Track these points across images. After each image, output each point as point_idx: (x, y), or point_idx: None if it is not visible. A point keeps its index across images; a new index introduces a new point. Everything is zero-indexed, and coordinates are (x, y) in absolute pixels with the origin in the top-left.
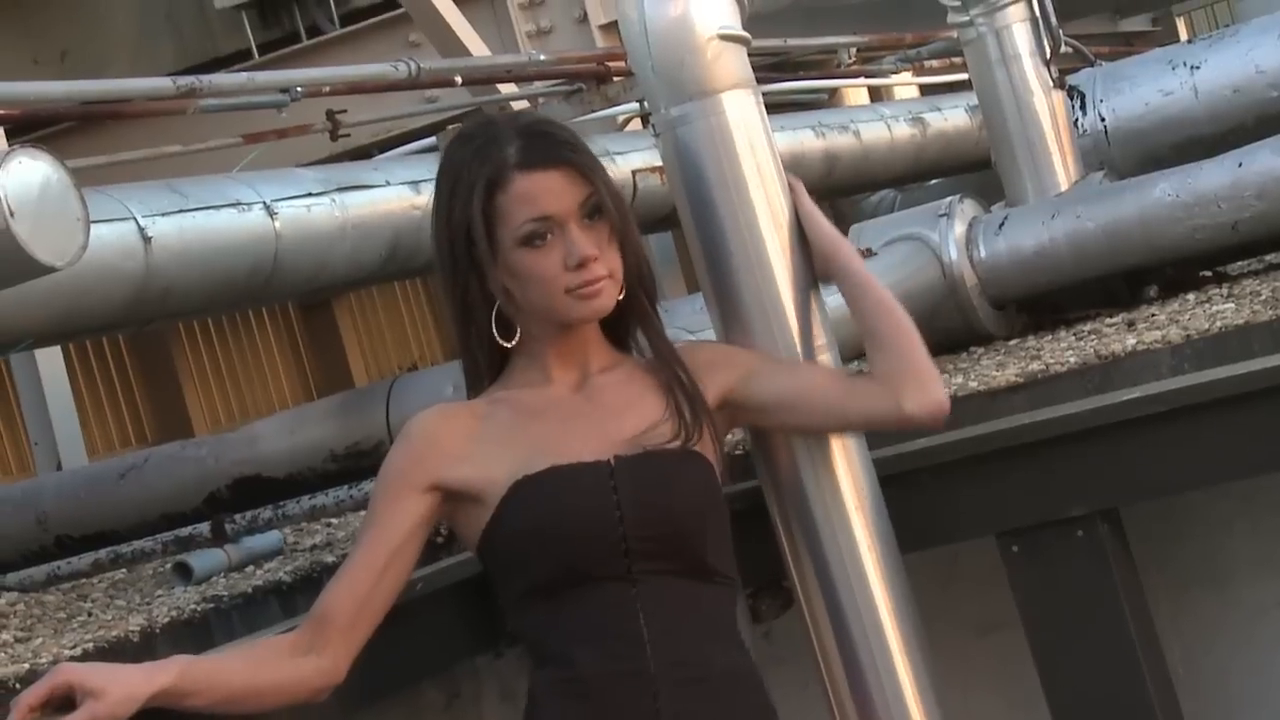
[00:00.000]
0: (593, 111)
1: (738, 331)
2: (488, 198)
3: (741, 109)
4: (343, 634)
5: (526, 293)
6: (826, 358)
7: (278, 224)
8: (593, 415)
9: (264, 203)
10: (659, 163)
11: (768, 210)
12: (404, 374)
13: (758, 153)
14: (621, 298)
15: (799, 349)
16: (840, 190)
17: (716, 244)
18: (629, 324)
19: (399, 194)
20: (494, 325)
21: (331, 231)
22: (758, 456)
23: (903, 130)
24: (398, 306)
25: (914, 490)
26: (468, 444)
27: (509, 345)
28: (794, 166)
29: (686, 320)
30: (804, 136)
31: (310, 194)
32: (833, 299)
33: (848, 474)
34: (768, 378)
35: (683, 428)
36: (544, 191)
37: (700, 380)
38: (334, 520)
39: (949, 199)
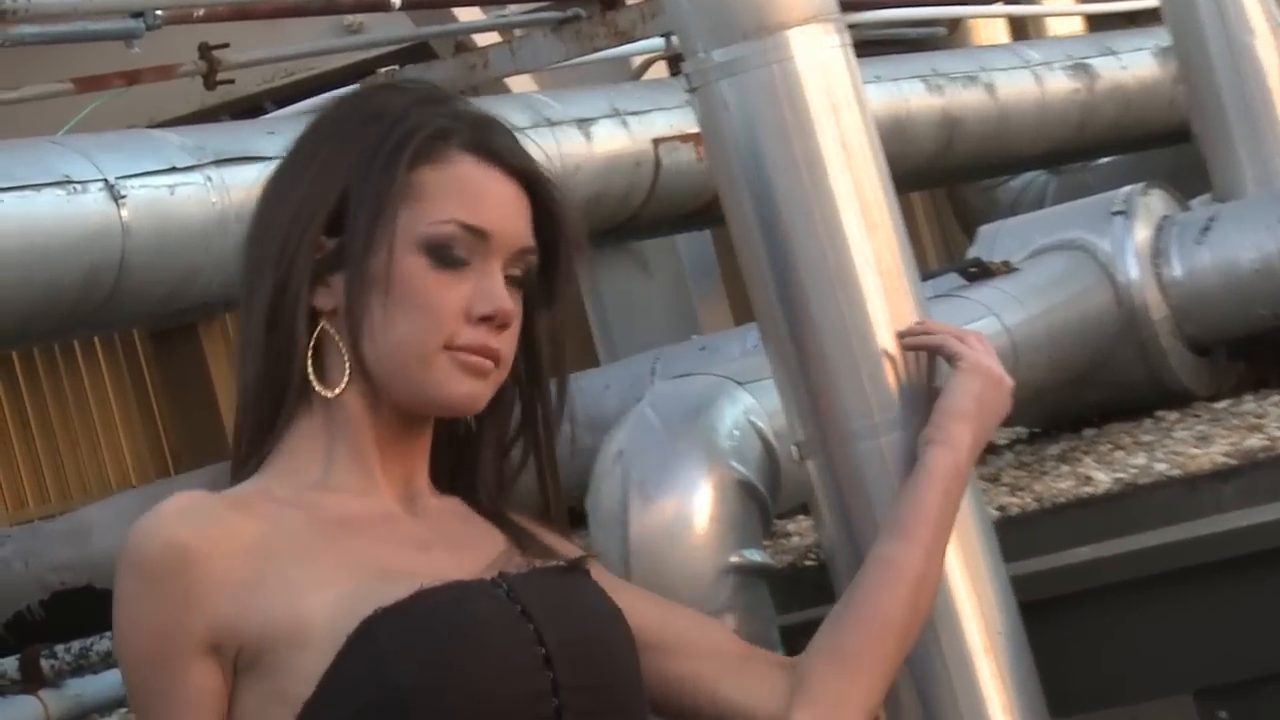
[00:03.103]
0: (595, 50)
1: (809, 384)
2: (416, 158)
3: (818, 51)
4: None
5: (387, 325)
6: None
7: (125, 212)
8: (441, 543)
9: (105, 180)
10: (692, 128)
11: (855, 203)
12: None
13: (842, 116)
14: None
15: (903, 410)
16: (963, 171)
17: (779, 252)
18: (478, 460)
19: None
20: (309, 357)
21: (205, 224)
22: (839, 572)
23: (1059, 83)
24: None
25: (1072, 625)
26: (252, 561)
27: (329, 394)
28: (898, 134)
29: (733, 366)
30: (911, 91)
31: (174, 168)
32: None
33: (972, 596)
34: (662, 607)
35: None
36: (497, 196)
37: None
38: None
39: (1127, 189)
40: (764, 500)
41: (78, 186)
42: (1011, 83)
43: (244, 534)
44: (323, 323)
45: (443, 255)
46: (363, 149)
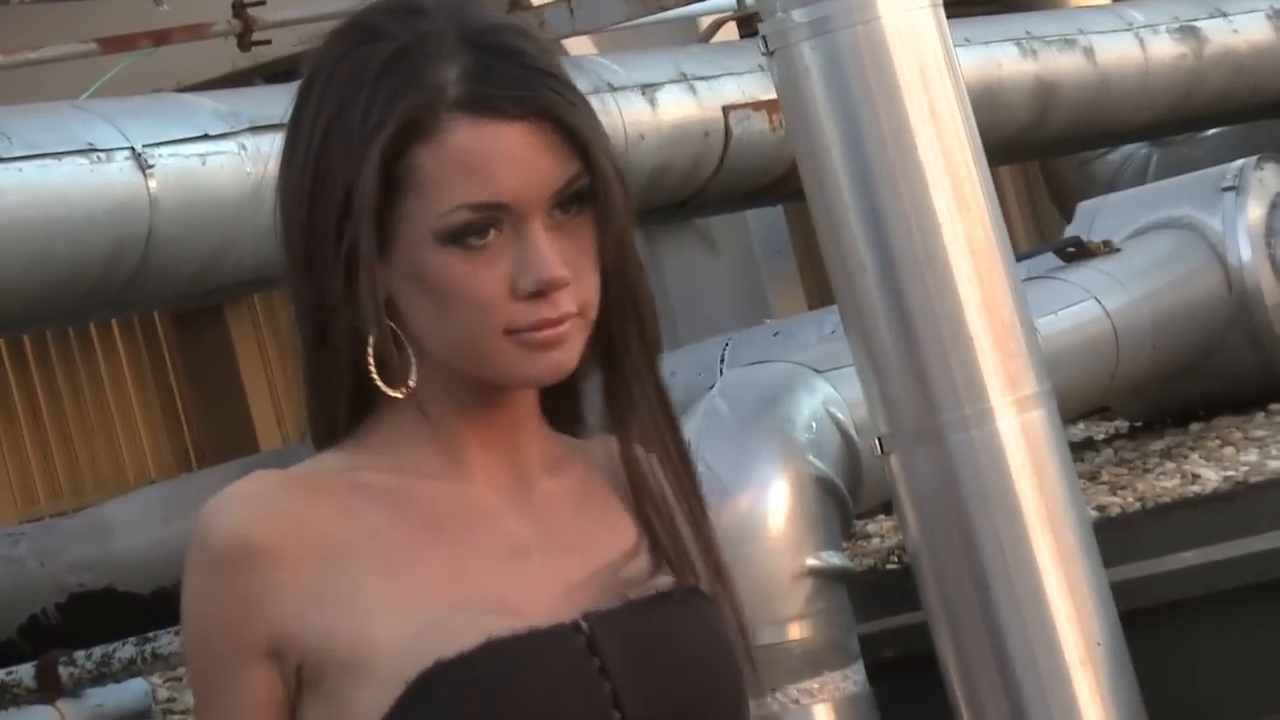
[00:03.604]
0: (660, 9)
1: (894, 373)
2: (399, 147)
3: (906, 10)
4: None
5: (437, 321)
6: (1038, 413)
7: (153, 183)
8: (541, 544)
9: (131, 149)
10: (766, 94)
11: (945, 178)
12: None
13: (931, 83)
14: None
15: (994, 397)
16: (1060, 143)
17: (862, 230)
18: (577, 393)
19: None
20: (371, 359)
21: (238, 195)
22: (924, 576)
23: (1164, 47)
24: None
25: (1178, 635)
26: (323, 568)
27: (396, 395)
28: (988, 102)
29: (810, 352)
30: (1003, 55)
31: (206, 136)
32: (1043, 321)
33: (1069, 604)
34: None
35: (666, 556)
36: (503, 157)
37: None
38: None
39: (1239, 163)
40: (844, 498)
41: (102, 155)
42: (1112, 46)
43: (319, 534)
44: (371, 329)
45: (465, 240)
46: (350, 130)
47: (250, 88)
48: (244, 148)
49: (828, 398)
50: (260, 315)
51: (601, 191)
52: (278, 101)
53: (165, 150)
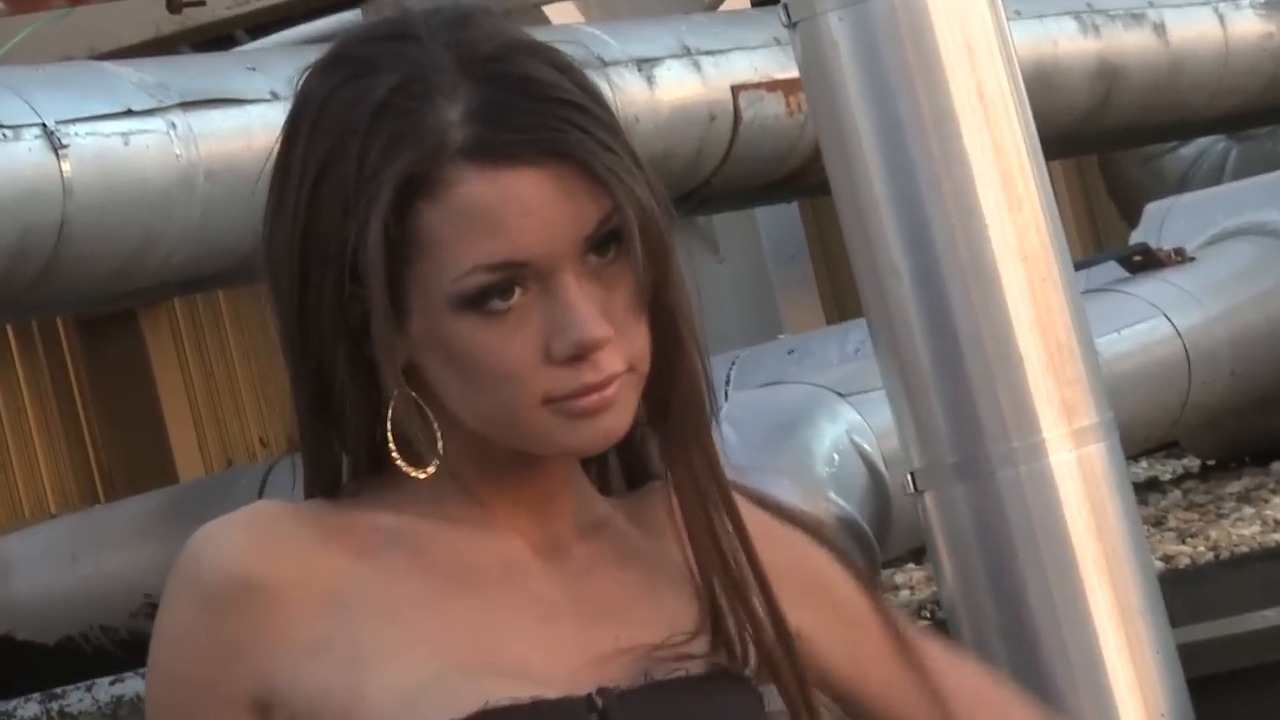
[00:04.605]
0: None
1: (931, 398)
2: (402, 205)
3: None
4: None
5: (464, 393)
6: (1098, 448)
7: (67, 166)
8: (571, 610)
9: (42, 125)
10: (782, 72)
11: (994, 172)
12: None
13: (979, 61)
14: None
15: (1046, 429)
16: (1124, 134)
17: (897, 233)
18: (642, 451)
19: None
20: (391, 439)
21: (166, 181)
22: (962, 635)
23: (1247, 24)
24: (263, 325)
25: (1255, 706)
26: (325, 615)
27: (419, 476)
28: (1042, 85)
29: (831, 373)
30: (1060, 32)
31: (130, 112)
32: (1104, 340)
33: (1130, 670)
34: (867, 663)
35: (722, 641)
36: (519, 209)
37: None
38: None
39: None
40: (869, 542)
41: (8, 132)
42: (1186, 23)
43: (324, 576)
44: (393, 396)
45: (486, 304)
46: (345, 183)
47: (180, 56)
48: (173, 126)
49: (852, 425)
50: (180, 322)
51: (629, 236)
52: (213, 73)
53: (82, 128)
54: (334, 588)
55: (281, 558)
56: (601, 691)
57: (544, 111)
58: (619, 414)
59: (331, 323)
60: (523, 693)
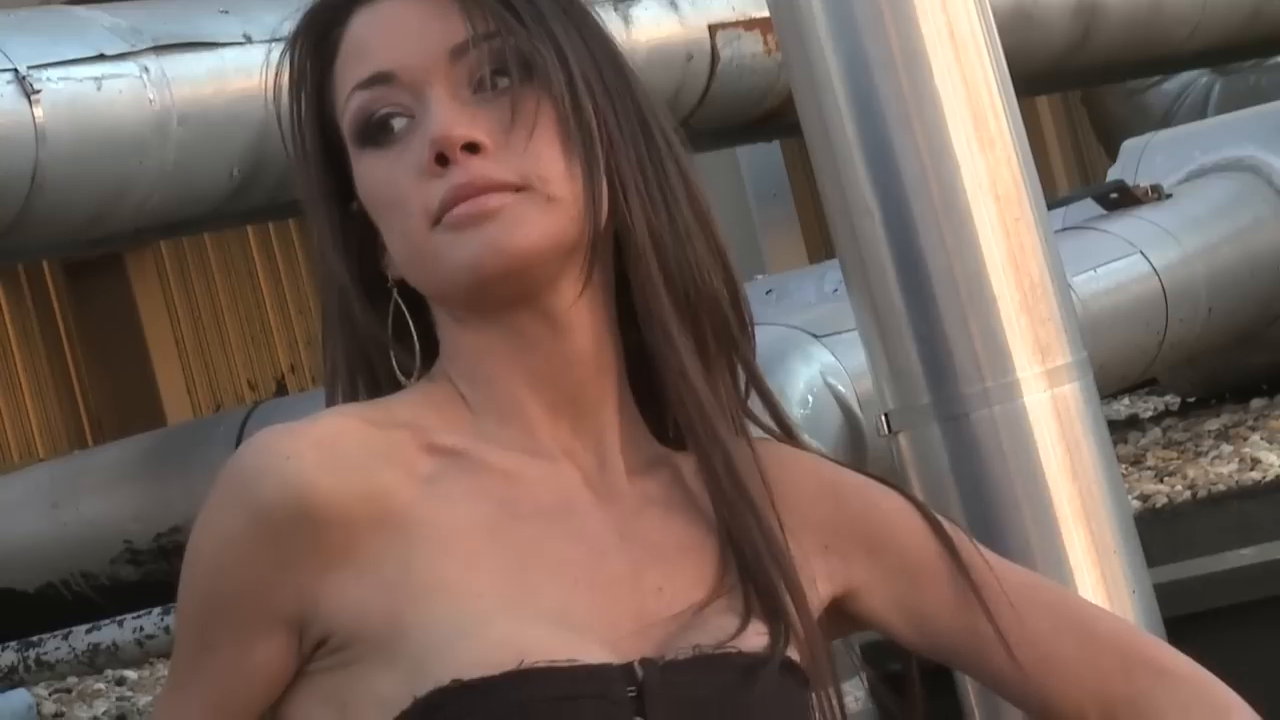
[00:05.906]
0: None
1: (904, 338)
2: (323, 62)
3: None
4: None
5: (390, 243)
6: (1073, 387)
7: (39, 111)
8: (620, 551)
9: (14, 70)
10: (760, 11)
11: (965, 110)
12: (267, 399)
13: (950, 1)
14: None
15: (1021, 368)
16: (1105, 70)
17: (868, 171)
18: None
19: (268, 60)
20: (390, 328)
21: (139, 126)
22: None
23: None
24: (250, 269)
25: (1233, 645)
26: (380, 538)
27: (405, 382)
28: (1018, 22)
29: (808, 313)
30: None
31: (102, 56)
32: (1081, 279)
33: (1106, 609)
34: (937, 609)
35: (756, 615)
36: (388, 29)
37: (819, 545)
38: (130, 674)
39: None
40: None
41: None
42: None
43: (388, 502)
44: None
45: (372, 134)
46: (300, 91)
47: (152, 0)
48: (146, 70)
49: (826, 367)
50: (167, 265)
51: (529, 57)
52: (186, 17)
53: (54, 73)
54: (393, 509)
55: (348, 483)
56: (644, 662)
57: None
58: (509, 227)
59: (332, 233)
60: (562, 646)
